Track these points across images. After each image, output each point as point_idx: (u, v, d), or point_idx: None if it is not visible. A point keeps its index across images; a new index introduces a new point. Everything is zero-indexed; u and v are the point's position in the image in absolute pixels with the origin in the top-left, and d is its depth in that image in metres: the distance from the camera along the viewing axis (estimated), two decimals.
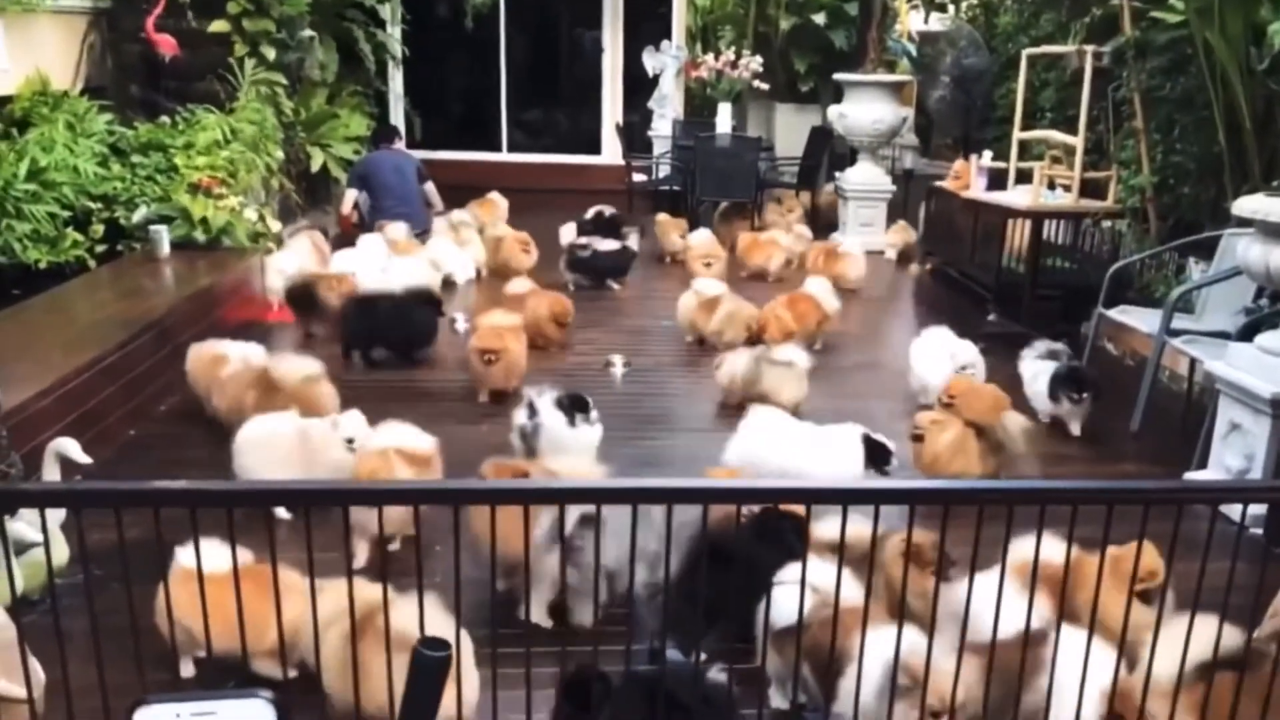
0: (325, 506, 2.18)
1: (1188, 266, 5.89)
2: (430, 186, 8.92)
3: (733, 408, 5.00)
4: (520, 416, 4.20)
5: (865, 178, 9.76)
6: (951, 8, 10.97)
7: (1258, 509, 3.66)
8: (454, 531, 1.99)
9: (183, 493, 1.99)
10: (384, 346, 5.89)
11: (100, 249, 6.19)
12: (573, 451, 3.95)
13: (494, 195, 9.14)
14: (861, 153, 9.85)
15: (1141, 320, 5.31)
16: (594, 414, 4.15)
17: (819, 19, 11.53)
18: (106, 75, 7.61)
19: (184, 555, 2.27)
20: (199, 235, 6.46)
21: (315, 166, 8.66)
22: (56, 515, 3.01)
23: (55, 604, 1.94)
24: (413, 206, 8.51)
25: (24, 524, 2.72)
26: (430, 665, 1.41)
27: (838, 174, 10.14)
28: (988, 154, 7.16)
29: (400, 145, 9.09)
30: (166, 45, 7.38)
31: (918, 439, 4.29)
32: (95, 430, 4.26)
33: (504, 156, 12.60)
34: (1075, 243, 7.04)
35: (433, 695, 1.44)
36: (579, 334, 6.59)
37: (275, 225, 7.19)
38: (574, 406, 4.10)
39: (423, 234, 8.22)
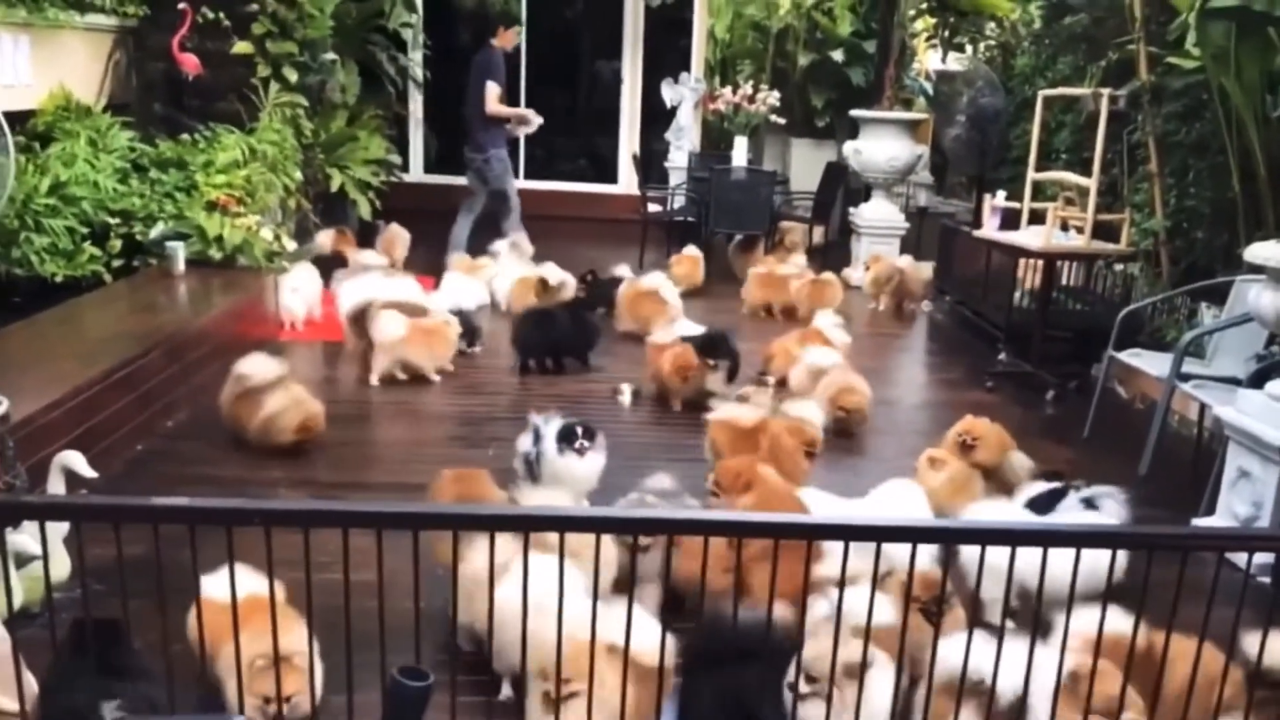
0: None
1: (1199, 311, 5.87)
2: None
3: None
4: (525, 443, 4.20)
5: (879, 214, 9.79)
6: (969, 48, 11.04)
7: (1264, 557, 3.63)
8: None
9: (184, 510, 2.00)
10: (558, 355, 6.20)
11: (117, 264, 6.23)
12: (569, 481, 3.92)
13: (395, 227, 8.84)
14: (876, 189, 9.88)
15: (1152, 364, 5.29)
16: (584, 444, 4.07)
17: (837, 56, 11.62)
18: (130, 92, 7.70)
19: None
20: (214, 253, 6.50)
21: (334, 187, 8.73)
22: (59, 529, 3.02)
23: (53, 618, 1.95)
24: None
25: (26, 536, 2.73)
26: (410, 695, 1.41)
27: (852, 209, 10.17)
28: (1001, 194, 7.18)
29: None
30: (190, 65, 7.48)
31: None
32: (103, 445, 4.27)
33: (521, 183, 12.66)
34: (1087, 284, 7.03)
35: None
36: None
37: (291, 245, 7.23)
38: (567, 437, 4.06)
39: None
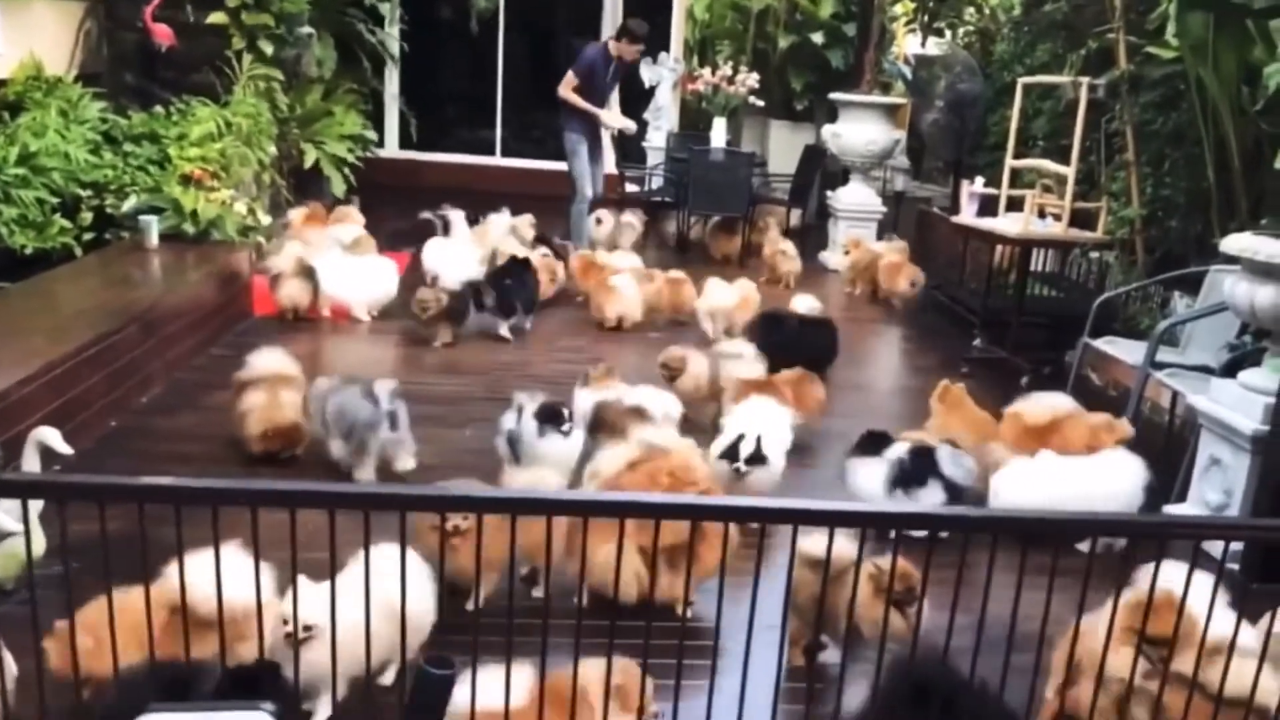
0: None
1: (1173, 300, 5.94)
2: None
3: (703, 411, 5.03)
4: (509, 421, 4.19)
5: (856, 198, 9.80)
6: (949, 33, 11.05)
7: (1235, 545, 3.68)
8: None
9: (168, 489, 1.98)
10: (792, 362, 5.51)
11: (88, 237, 6.15)
12: (548, 461, 3.91)
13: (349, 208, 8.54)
14: (853, 173, 9.89)
15: (1126, 352, 5.34)
16: (567, 426, 4.08)
17: (817, 38, 11.60)
18: (102, 63, 7.58)
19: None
20: (188, 227, 6.43)
21: (308, 163, 8.63)
22: (34, 505, 2.99)
23: (34, 595, 1.93)
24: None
25: (2, 513, 2.70)
26: (435, 682, 1.42)
27: (829, 193, 10.18)
28: (980, 180, 7.21)
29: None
30: (163, 35, 7.35)
31: None
32: (77, 420, 4.23)
33: (497, 160, 12.61)
34: (1062, 271, 7.08)
35: (438, 710, 1.44)
36: (563, 341, 6.61)
37: (265, 219, 7.16)
38: (548, 417, 4.06)
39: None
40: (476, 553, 2.08)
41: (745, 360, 5.25)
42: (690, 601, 3.18)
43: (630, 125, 9.43)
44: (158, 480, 1.98)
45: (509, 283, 6.66)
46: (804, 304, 6.50)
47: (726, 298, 6.73)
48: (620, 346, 6.58)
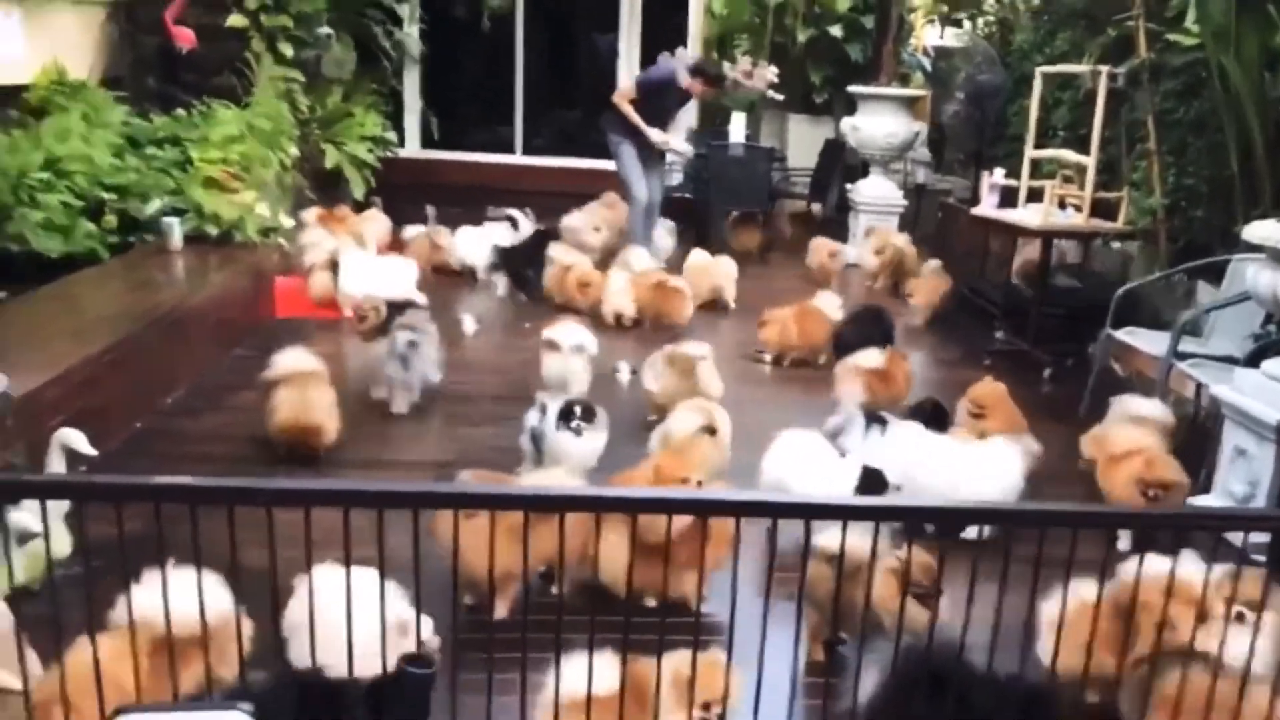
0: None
1: (1196, 289, 5.88)
2: None
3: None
4: (532, 418, 4.21)
5: (876, 191, 9.76)
6: (968, 24, 10.97)
7: (1262, 536, 3.64)
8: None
9: (185, 489, 2.01)
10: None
11: (113, 240, 6.21)
12: (567, 459, 3.94)
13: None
14: (873, 166, 9.85)
15: (1149, 342, 5.30)
16: (580, 424, 4.09)
17: (836, 31, 11.53)
18: (124, 67, 7.65)
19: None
20: (210, 229, 6.48)
21: (329, 164, 8.69)
22: (59, 506, 3.03)
23: (55, 596, 1.96)
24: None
25: (27, 514, 2.73)
26: (417, 681, 1.43)
27: (849, 186, 10.14)
28: (999, 171, 7.15)
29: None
30: (184, 38, 7.41)
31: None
32: (101, 422, 4.27)
33: (518, 159, 12.62)
34: (1085, 262, 7.03)
35: (421, 709, 1.46)
36: None
37: (288, 221, 7.22)
38: (565, 415, 4.07)
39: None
40: (488, 553, 2.09)
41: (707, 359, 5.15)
42: (704, 597, 3.19)
43: (684, 148, 9.07)
44: (174, 479, 2.00)
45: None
46: (829, 303, 6.45)
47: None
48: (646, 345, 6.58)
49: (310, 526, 2.00)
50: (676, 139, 8.86)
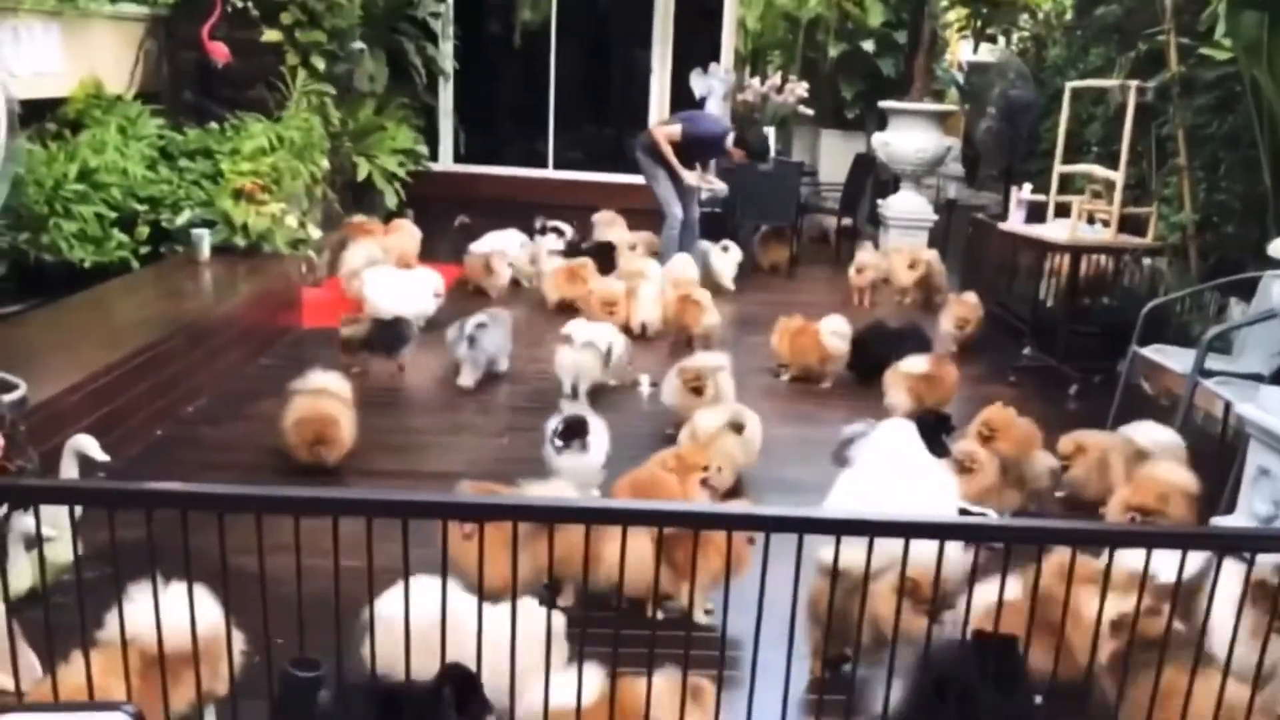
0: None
1: (1229, 306, 5.78)
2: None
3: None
4: (553, 424, 4.20)
5: (907, 206, 9.72)
6: (1001, 39, 10.91)
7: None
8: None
9: (212, 496, 2.02)
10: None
11: (145, 250, 6.30)
12: (564, 474, 3.91)
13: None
14: (904, 181, 9.81)
15: (1176, 360, 5.21)
16: (559, 444, 4.05)
17: (868, 46, 11.53)
18: (161, 80, 7.78)
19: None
20: (239, 240, 6.57)
21: (360, 176, 8.79)
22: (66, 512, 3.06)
23: (46, 604, 1.99)
24: None
25: (33, 519, 2.76)
26: (299, 686, 1.41)
27: (880, 201, 10.10)
28: (1028, 186, 7.09)
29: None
30: (220, 53, 7.54)
31: (965, 470, 4.22)
32: (122, 429, 4.34)
33: (550, 173, 12.68)
34: (1114, 279, 6.94)
35: (305, 713, 1.44)
36: None
37: (316, 233, 7.30)
38: (566, 432, 4.05)
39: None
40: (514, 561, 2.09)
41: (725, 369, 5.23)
42: (708, 610, 3.18)
43: (720, 186, 9.19)
44: (168, 485, 2.03)
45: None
46: (830, 325, 6.33)
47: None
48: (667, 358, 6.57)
49: (338, 534, 1.99)
50: (711, 178, 9.17)
